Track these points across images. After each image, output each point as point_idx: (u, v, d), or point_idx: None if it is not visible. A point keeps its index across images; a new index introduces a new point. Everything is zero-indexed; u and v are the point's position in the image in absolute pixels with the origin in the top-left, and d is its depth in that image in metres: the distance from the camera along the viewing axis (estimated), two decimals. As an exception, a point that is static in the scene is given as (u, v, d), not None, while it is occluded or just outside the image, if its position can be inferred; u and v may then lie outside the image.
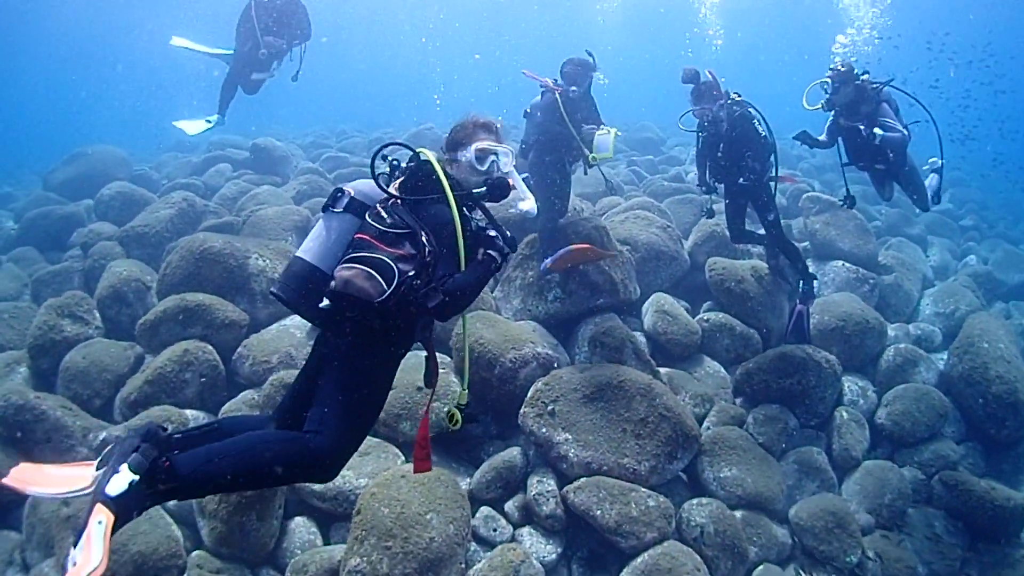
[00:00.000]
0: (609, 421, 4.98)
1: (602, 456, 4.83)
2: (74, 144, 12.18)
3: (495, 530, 4.68)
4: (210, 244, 6.31)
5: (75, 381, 5.59)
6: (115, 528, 2.08)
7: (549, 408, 5.03)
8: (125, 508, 2.13)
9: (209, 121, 8.63)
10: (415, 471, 2.90)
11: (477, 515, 4.74)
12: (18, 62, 36.13)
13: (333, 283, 2.51)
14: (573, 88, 5.93)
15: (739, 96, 5.98)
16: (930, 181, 6.56)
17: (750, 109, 5.92)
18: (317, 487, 4.56)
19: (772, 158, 6.02)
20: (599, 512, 4.51)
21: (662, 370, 5.97)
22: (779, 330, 6.66)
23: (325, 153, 11.82)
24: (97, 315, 6.51)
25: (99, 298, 6.57)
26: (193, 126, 8.66)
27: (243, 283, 6.25)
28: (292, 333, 5.99)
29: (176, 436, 2.51)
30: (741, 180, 5.94)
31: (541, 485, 4.80)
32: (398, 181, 2.79)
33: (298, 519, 4.58)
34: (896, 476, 5.56)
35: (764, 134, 5.93)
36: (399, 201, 2.69)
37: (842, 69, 5.82)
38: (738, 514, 4.96)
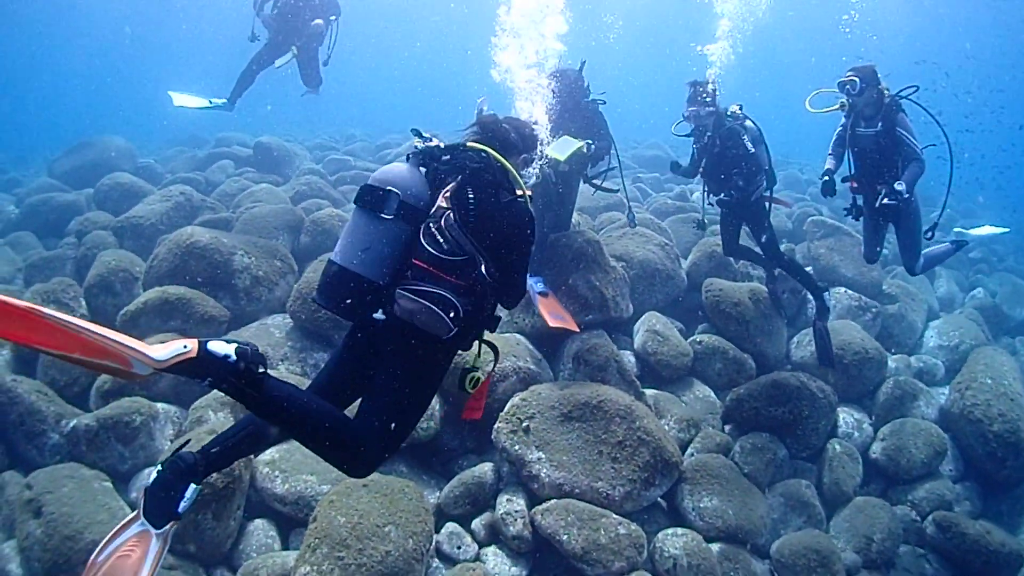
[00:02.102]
0: (585, 442, 4.78)
1: (575, 478, 4.63)
2: (88, 132, 12.25)
3: (459, 547, 4.49)
4: (197, 238, 6.25)
5: (53, 367, 5.52)
6: (185, 369, 2.15)
7: (524, 424, 4.84)
8: (207, 360, 2.17)
9: (212, 102, 8.47)
10: (464, 416, 2.94)
11: (442, 531, 4.56)
12: (39, 49, 36.57)
13: (397, 309, 2.51)
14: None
15: (739, 109, 5.84)
16: (937, 249, 6.24)
17: (746, 123, 5.77)
18: (279, 490, 4.44)
19: (762, 178, 5.85)
20: (566, 537, 4.30)
21: (649, 392, 5.77)
22: (774, 356, 6.44)
23: (330, 155, 11.78)
24: (83, 303, 6.51)
25: (87, 286, 6.56)
26: (186, 99, 8.49)
27: (227, 279, 6.17)
28: (271, 332, 5.89)
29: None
30: (722, 196, 5.84)
31: (510, 504, 4.60)
32: (449, 188, 2.69)
33: (258, 521, 4.45)
34: (887, 514, 5.29)
35: (752, 151, 5.73)
36: (451, 215, 2.61)
37: (866, 69, 5.47)
38: (716, 547, 4.72)
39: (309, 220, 7.49)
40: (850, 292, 7.34)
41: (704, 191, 6.26)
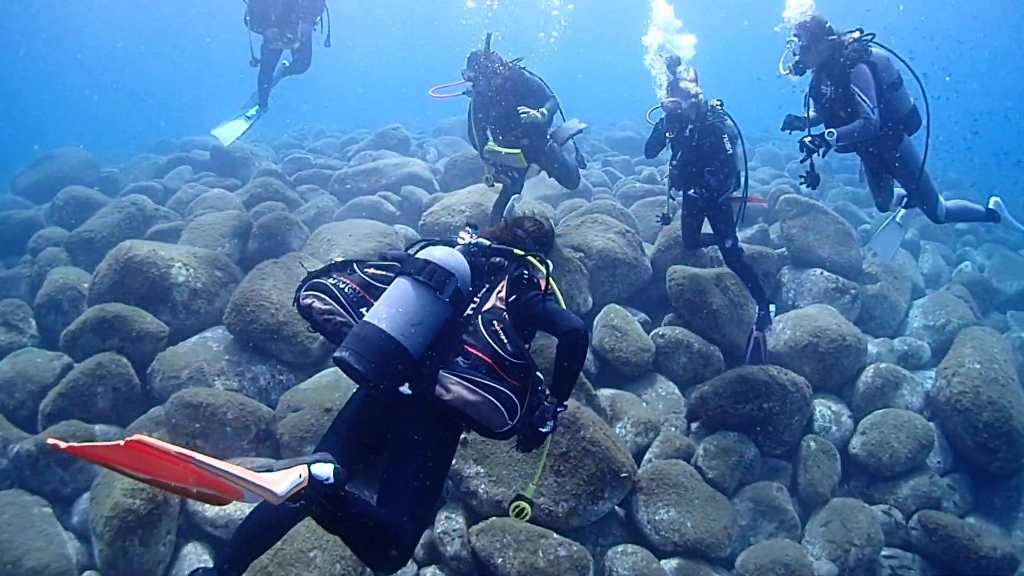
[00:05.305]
0: (527, 455, 4.42)
1: (515, 494, 4.28)
2: (54, 145, 12.03)
3: (396, 571, 4.19)
4: (134, 253, 5.98)
5: (2, 391, 5.39)
6: (296, 496, 2.09)
7: (461, 437, 4.49)
8: (312, 487, 2.13)
9: (248, 117, 8.28)
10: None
11: (379, 553, 4.26)
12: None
13: (444, 393, 2.45)
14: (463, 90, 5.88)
15: (720, 104, 5.49)
16: (972, 206, 5.81)
17: (726, 121, 5.43)
18: (209, 513, 4.27)
19: (736, 179, 5.51)
20: (500, 560, 3.96)
21: (606, 392, 5.39)
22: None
23: (293, 153, 11.45)
24: (33, 323, 6.34)
25: (36, 306, 6.41)
26: (230, 131, 8.29)
27: (165, 293, 5.89)
28: (209, 346, 5.61)
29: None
30: (691, 192, 5.52)
31: (448, 522, 4.28)
32: (504, 287, 2.74)
33: (191, 545, 4.29)
34: (867, 518, 4.88)
35: (730, 151, 5.38)
36: (507, 316, 2.66)
37: (807, 24, 4.96)
38: (673, 563, 4.35)
39: (256, 225, 7.17)
40: (826, 274, 6.85)
41: (669, 184, 5.91)
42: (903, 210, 5.97)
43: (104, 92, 35.40)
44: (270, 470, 2.08)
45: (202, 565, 4.13)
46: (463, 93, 5.98)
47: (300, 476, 2.11)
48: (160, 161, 11.33)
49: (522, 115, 5.70)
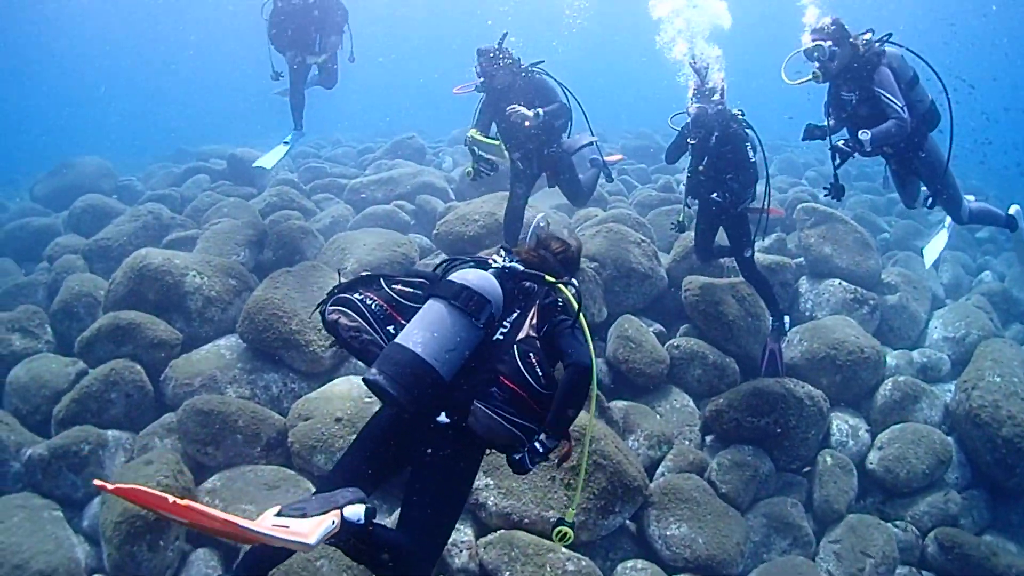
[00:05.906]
0: (536, 468, 4.38)
1: (524, 507, 4.24)
2: (75, 153, 12.18)
3: (403, 581, 4.16)
4: (149, 261, 6.04)
5: (16, 396, 5.48)
6: (331, 538, 2.18)
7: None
8: (343, 529, 2.19)
9: (287, 142, 8.37)
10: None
11: (386, 563, 4.24)
12: (20, 66, 36.44)
13: (476, 424, 2.47)
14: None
15: (741, 114, 5.45)
16: (996, 211, 5.78)
17: (747, 130, 5.40)
18: None
19: (755, 189, 5.48)
20: (508, 574, 3.93)
21: (619, 404, 5.34)
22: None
23: (309, 162, 11.52)
24: (49, 330, 6.40)
25: (52, 312, 6.46)
26: (271, 158, 8.37)
27: (179, 301, 5.93)
28: (222, 354, 5.63)
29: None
30: (714, 195, 5.38)
31: (456, 534, 4.23)
32: (535, 314, 2.73)
33: (200, 551, 4.28)
34: (882, 535, 4.79)
35: (753, 160, 5.36)
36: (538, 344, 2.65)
37: (832, 27, 4.81)
38: (683, 579, 4.31)
39: (273, 234, 7.21)
40: (845, 284, 6.74)
41: (686, 192, 5.86)
42: (950, 218, 5.92)
43: (122, 101, 35.92)
44: (304, 514, 2.10)
45: (211, 573, 4.16)
46: (474, 89, 5.87)
47: (333, 523, 2.14)
48: (176, 170, 11.46)
49: (510, 114, 5.53)
